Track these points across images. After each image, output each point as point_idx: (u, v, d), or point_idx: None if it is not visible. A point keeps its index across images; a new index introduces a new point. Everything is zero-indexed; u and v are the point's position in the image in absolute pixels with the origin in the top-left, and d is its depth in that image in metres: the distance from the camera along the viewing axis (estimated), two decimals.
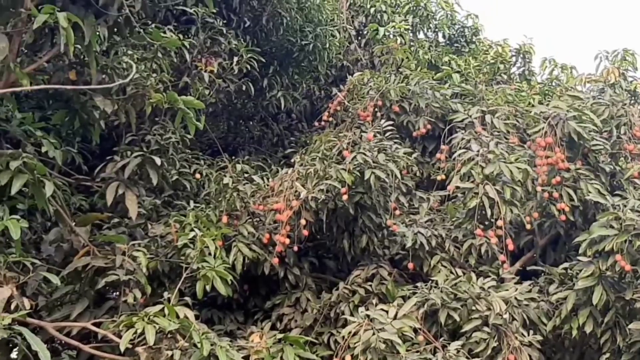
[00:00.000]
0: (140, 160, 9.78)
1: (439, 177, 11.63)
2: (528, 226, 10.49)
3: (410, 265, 10.55)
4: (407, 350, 8.37)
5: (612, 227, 9.22)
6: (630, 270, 9.21)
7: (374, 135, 10.94)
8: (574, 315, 9.61)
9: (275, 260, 10.18)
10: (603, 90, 13.75)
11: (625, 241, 9.04)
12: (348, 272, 10.87)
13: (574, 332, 9.58)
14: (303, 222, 10.06)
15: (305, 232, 10.15)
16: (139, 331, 7.46)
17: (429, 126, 12.67)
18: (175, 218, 9.83)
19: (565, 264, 10.10)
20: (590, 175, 10.86)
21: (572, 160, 10.88)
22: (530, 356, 9.25)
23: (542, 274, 10.51)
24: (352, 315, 9.34)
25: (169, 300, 8.08)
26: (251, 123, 16.13)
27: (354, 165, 10.28)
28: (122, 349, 7.36)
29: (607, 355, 9.52)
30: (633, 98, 14.82)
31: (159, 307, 7.78)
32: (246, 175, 10.92)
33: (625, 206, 9.29)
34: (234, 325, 10.54)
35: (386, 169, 10.46)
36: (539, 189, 10.49)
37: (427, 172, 12.56)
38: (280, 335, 8.87)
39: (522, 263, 11.19)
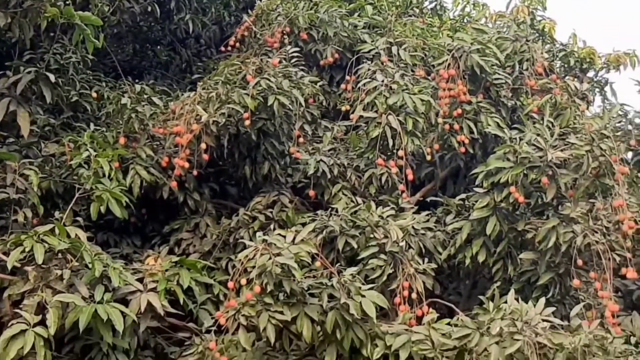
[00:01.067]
0: (34, 76, 9.51)
1: (344, 107, 11.66)
2: (429, 157, 10.66)
3: (312, 193, 10.64)
4: (303, 276, 8.48)
5: (508, 159, 9.45)
6: (524, 202, 9.50)
7: (280, 62, 10.88)
8: (468, 245, 9.89)
9: (174, 184, 10.12)
10: (510, 26, 13.97)
11: (520, 174, 9.29)
12: (250, 199, 10.90)
13: (468, 261, 9.88)
14: (203, 146, 10.01)
15: (206, 157, 10.10)
16: (27, 249, 7.34)
17: (336, 55, 12.64)
18: (69, 137, 9.62)
19: (463, 195, 10.36)
20: (491, 109, 11.07)
21: (474, 93, 11.06)
22: (424, 283, 9.49)
23: (441, 205, 10.75)
24: (251, 240, 9.38)
25: (60, 219, 7.95)
26: (158, 47, 15.83)
27: (258, 90, 10.23)
28: (9, 267, 7.24)
29: (498, 283, 9.85)
30: (540, 37, 15.06)
31: (49, 226, 7.66)
32: (146, 96, 10.74)
33: (521, 140, 9.53)
34: (131, 249, 10.51)
35: (290, 96, 10.45)
36: (440, 120, 10.65)
37: (334, 102, 12.57)
38: (176, 259, 8.87)
39: (423, 194, 11.40)
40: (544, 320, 8.03)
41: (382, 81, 10.38)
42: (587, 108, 13.10)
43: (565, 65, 14.33)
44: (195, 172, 10.24)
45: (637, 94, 11.42)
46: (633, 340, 9.74)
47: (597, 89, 14.53)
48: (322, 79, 12.49)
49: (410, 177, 10.17)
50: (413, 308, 9.22)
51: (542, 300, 8.30)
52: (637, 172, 11.39)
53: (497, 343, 7.84)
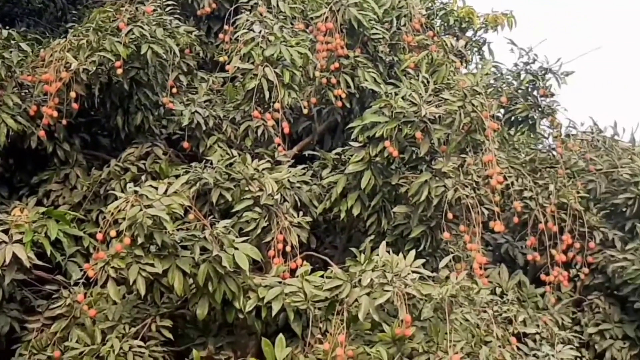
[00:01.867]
0: None
1: (221, 59, 11.51)
2: (305, 111, 10.69)
3: (186, 145, 10.53)
4: (175, 228, 8.40)
5: (383, 114, 9.58)
6: (398, 157, 9.68)
7: (154, 10, 10.62)
8: (344, 199, 10.03)
9: (42, 134, 9.82)
10: None
11: (395, 128, 9.44)
12: (122, 150, 10.70)
13: (343, 215, 10.02)
14: (73, 95, 9.74)
15: (76, 106, 9.83)
16: None
17: (214, 5, 12.40)
18: None
19: (339, 149, 10.47)
20: (368, 63, 11.17)
21: (351, 47, 11.12)
22: (299, 236, 9.58)
23: (318, 159, 10.84)
24: (122, 192, 9.21)
25: None
26: None
27: (131, 38, 9.98)
28: None
29: (372, 237, 10.06)
30: None
31: None
32: (14, 42, 10.32)
33: (397, 95, 9.67)
34: None
35: (165, 45, 10.26)
36: (317, 74, 10.68)
37: (211, 53, 12.39)
38: (44, 210, 8.63)
39: (300, 147, 11.45)
40: (413, 272, 8.26)
41: (260, 32, 10.30)
42: (466, 66, 13.47)
43: (445, 24, 14.56)
44: (64, 122, 9.95)
45: (512, 53, 11.72)
46: (499, 291, 10.19)
47: (475, 49, 14.85)
48: (199, 29, 12.28)
49: (287, 130, 10.18)
50: (287, 261, 9.30)
51: (413, 252, 8.53)
52: (508, 129, 11.81)
53: (367, 294, 8.02)
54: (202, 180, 9.41)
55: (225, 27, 11.60)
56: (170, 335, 8.67)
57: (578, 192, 11.34)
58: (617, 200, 11.64)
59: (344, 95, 10.81)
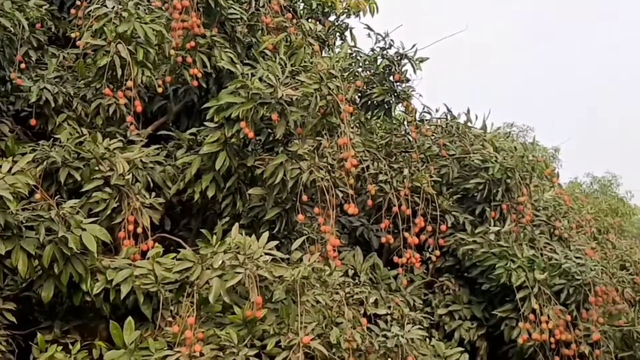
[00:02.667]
0: None
1: (73, 34, 11.16)
2: (160, 89, 10.53)
3: (33, 122, 10.17)
4: (20, 208, 8.13)
5: (239, 95, 9.58)
6: (254, 138, 9.71)
7: None
8: (198, 180, 9.97)
9: None
10: None
11: (251, 109, 9.46)
12: None
13: (197, 196, 9.97)
14: None
15: None
16: None
17: None
18: None
19: (194, 130, 10.40)
20: (225, 43, 11.10)
21: (208, 27, 11.03)
22: (151, 218, 9.47)
23: (173, 139, 10.72)
24: None
25: None
26: None
27: None
28: None
29: (227, 219, 10.05)
30: None
31: None
32: None
33: (254, 76, 9.69)
34: None
35: (13, 19, 9.90)
36: (172, 52, 10.54)
37: (64, 28, 12.00)
38: None
39: (154, 127, 11.26)
40: (266, 254, 8.37)
41: (113, 8, 10.06)
42: (328, 51, 13.60)
43: (308, 8, 14.65)
44: None
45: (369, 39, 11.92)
46: (352, 273, 10.39)
47: (338, 33, 15.02)
48: (51, 3, 11.85)
49: (139, 109, 10.00)
50: (138, 243, 9.17)
51: (266, 234, 8.63)
52: (365, 113, 12.03)
53: (219, 276, 8.06)
54: (49, 159, 9.13)
55: (78, 2, 11.26)
56: (13, 319, 8.40)
57: (431, 177, 11.71)
58: (468, 185, 12.07)
59: (200, 75, 10.71)
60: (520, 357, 11.50)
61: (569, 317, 11.24)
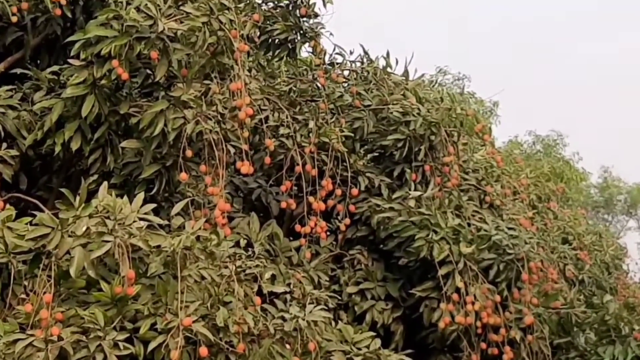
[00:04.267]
0: None
1: None
2: (14, 18, 10.34)
3: None
4: None
5: (112, 27, 9.46)
6: (129, 80, 9.65)
7: None
8: (60, 129, 9.87)
9: None
10: None
11: (125, 45, 9.36)
12: None
13: (58, 149, 9.87)
14: None
15: None
16: None
17: None
18: None
19: (55, 67, 10.27)
20: None
21: None
22: (1, 173, 9.38)
23: (30, 79, 10.58)
24: None
25: None
26: None
27: None
28: None
29: (95, 177, 10.00)
30: None
31: None
32: None
33: (129, 5, 9.57)
34: None
35: None
36: None
37: None
38: None
39: (7, 64, 11.08)
40: (141, 220, 8.34)
41: None
42: None
43: None
44: None
45: None
46: (244, 243, 10.48)
47: None
48: None
49: None
50: None
51: (141, 195, 8.60)
52: (265, 53, 12.07)
53: (82, 245, 8.02)
54: None
55: None
56: None
57: (342, 131, 11.84)
58: (386, 142, 12.25)
59: (64, 2, 10.54)
60: (441, 343, 11.85)
61: (498, 298, 11.57)
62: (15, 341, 7.77)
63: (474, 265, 11.55)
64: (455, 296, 11.29)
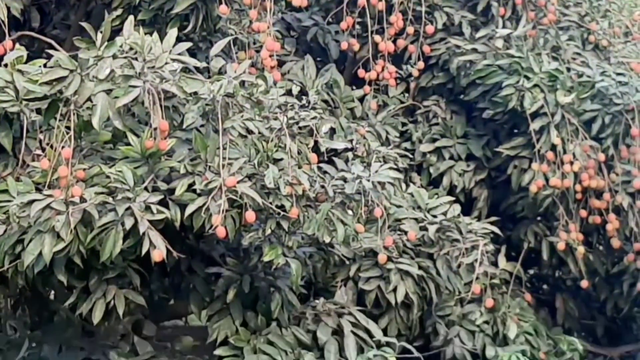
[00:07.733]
0: None
1: None
2: None
3: None
4: None
5: None
6: None
7: None
8: None
9: None
10: None
11: None
12: None
13: None
14: None
15: None
16: None
17: None
18: None
19: None
20: None
21: None
22: (9, 9, 9.41)
23: None
24: None
25: None
26: None
27: None
28: None
29: (120, 11, 9.93)
30: None
31: None
32: None
33: None
34: None
35: None
36: None
37: None
38: None
39: None
40: (174, 61, 8.29)
41: None
42: None
43: None
44: None
45: None
46: (297, 91, 10.45)
47: None
48: None
49: None
50: None
51: (174, 33, 8.51)
52: None
53: (106, 91, 8.02)
54: None
55: None
56: None
57: None
58: None
59: None
60: (532, 210, 11.84)
61: (602, 157, 11.52)
62: (31, 202, 7.85)
63: (573, 117, 11.44)
64: (550, 155, 11.25)
